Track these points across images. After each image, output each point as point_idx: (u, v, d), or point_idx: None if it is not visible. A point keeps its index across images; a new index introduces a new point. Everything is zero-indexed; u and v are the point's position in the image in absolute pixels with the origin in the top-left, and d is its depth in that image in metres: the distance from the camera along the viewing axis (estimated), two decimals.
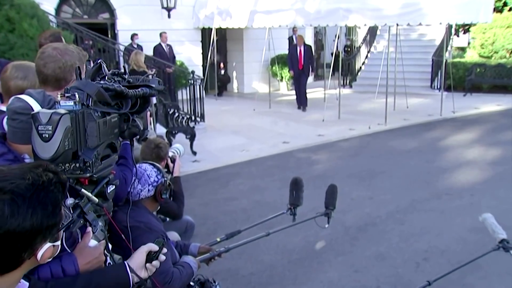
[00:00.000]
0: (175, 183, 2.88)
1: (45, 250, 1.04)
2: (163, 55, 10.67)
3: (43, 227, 1.00)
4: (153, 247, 1.54)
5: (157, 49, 10.84)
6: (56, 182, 1.04)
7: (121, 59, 10.30)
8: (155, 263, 1.53)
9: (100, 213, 1.47)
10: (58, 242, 1.09)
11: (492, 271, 3.62)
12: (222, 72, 14.19)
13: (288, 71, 11.51)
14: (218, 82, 13.78)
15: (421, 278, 3.62)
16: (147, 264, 1.51)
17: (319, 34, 16.94)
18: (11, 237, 0.95)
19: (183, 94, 9.09)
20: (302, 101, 11.05)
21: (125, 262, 1.49)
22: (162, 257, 1.56)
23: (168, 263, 2.10)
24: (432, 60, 13.25)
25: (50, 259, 1.08)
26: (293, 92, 11.18)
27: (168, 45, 11.04)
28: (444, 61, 10.93)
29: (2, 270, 0.99)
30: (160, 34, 10.91)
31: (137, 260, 1.51)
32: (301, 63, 10.79)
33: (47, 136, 1.23)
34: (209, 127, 8.97)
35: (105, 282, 1.44)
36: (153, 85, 1.54)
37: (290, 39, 14.80)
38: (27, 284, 1.16)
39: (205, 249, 2.55)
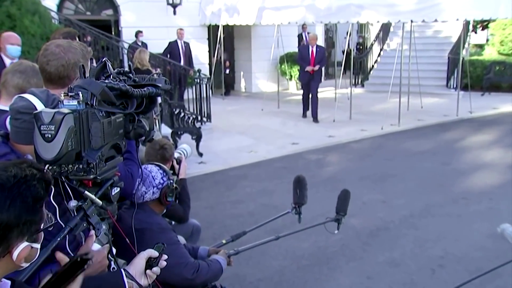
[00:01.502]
0: (180, 186, 2.89)
1: (22, 249, 1.02)
2: (175, 52, 10.64)
3: (21, 221, 0.99)
4: (153, 253, 1.53)
5: (171, 46, 10.81)
6: (39, 178, 1.05)
7: (125, 57, 10.36)
8: (156, 269, 1.50)
9: (104, 216, 1.48)
10: (38, 245, 1.08)
11: None
12: (227, 71, 14.13)
13: (304, 69, 9.99)
14: (224, 81, 13.76)
15: (436, 286, 3.60)
16: (147, 271, 1.49)
17: (329, 31, 16.91)
18: None
19: (189, 94, 9.12)
20: (313, 110, 9.92)
21: (122, 269, 1.47)
22: (163, 263, 1.54)
23: (187, 256, 2.17)
24: (448, 58, 13.16)
25: (27, 264, 1.06)
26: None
27: (185, 42, 10.98)
28: (461, 59, 10.87)
29: None
30: (177, 31, 10.89)
31: (136, 267, 1.48)
32: (313, 65, 9.73)
33: (49, 136, 1.23)
34: (215, 127, 8.99)
35: None
36: (160, 85, 1.54)
37: (300, 36, 14.76)
38: (9, 282, 1.15)
39: (215, 251, 2.57)
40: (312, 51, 9.82)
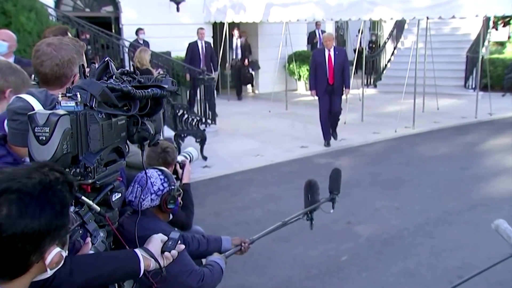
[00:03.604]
0: (183, 191, 2.89)
1: (55, 255, 1.07)
2: (195, 54, 10.52)
3: (52, 227, 1.04)
4: (163, 237, 1.62)
5: (191, 47, 10.65)
6: (63, 181, 1.08)
7: (126, 56, 10.40)
8: (174, 252, 1.59)
9: (104, 223, 1.48)
10: (64, 252, 1.12)
11: None
12: (250, 70, 13.57)
13: (310, 89, 8.30)
14: (241, 81, 13.44)
15: None
16: (166, 253, 1.57)
17: (340, 29, 16.94)
18: (19, 239, 0.99)
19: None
20: (333, 127, 8.34)
21: (138, 250, 1.52)
22: (181, 246, 1.63)
23: (191, 264, 2.19)
24: (467, 56, 13.10)
25: (58, 267, 1.11)
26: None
27: (206, 42, 10.84)
28: (480, 57, 10.82)
29: (12, 274, 1.02)
30: (197, 31, 10.78)
31: (155, 246, 1.57)
32: (332, 75, 7.86)
33: (44, 138, 1.24)
34: (220, 130, 9.00)
35: (116, 272, 1.48)
36: (166, 86, 1.54)
37: (312, 34, 14.60)
38: None
39: (238, 241, 2.64)
40: (329, 55, 7.88)
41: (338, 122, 8.44)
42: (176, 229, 3.21)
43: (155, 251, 1.54)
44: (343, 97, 8.23)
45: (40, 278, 1.12)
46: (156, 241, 1.58)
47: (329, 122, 8.19)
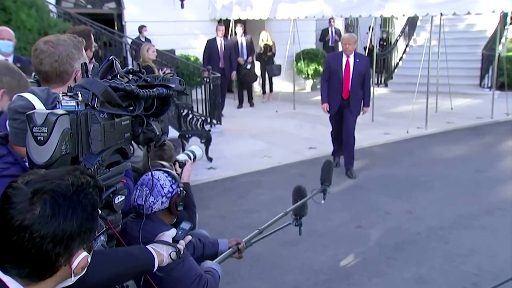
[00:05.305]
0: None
1: (81, 259, 1.10)
2: (213, 52, 10.39)
3: (82, 229, 1.07)
4: (173, 232, 1.79)
5: (209, 45, 10.48)
6: (94, 186, 1.13)
7: (129, 53, 10.44)
8: (183, 242, 1.75)
9: (105, 226, 1.48)
10: (89, 256, 1.15)
11: None
12: (248, 66, 11.64)
13: (322, 101, 6.73)
14: (241, 81, 12.04)
15: None
16: (178, 244, 1.73)
17: (350, 26, 16.89)
18: (50, 239, 1.02)
19: (197, 94, 9.15)
20: (346, 156, 6.81)
21: (148, 247, 1.61)
22: (188, 237, 1.79)
23: (197, 269, 2.20)
24: (482, 54, 13.02)
25: (82, 273, 1.14)
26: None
27: (226, 39, 10.68)
28: (497, 55, 10.74)
29: (40, 275, 1.06)
30: (216, 27, 10.65)
31: (169, 238, 1.73)
32: (347, 88, 6.49)
33: (42, 139, 1.23)
34: (226, 130, 9.00)
35: (133, 269, 1.56)
36: (172, 85, 1.53)
37: (325, 31, 14.47)
38: None
39: (235, 242, 2.74)
40: (347, 62, 6.47)
41: (354, 151, 6.79)
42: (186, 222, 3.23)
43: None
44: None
45: (62, 286, 1.14)
46: (167, 237, 1.72)
47: (340, 140, 6.93)
